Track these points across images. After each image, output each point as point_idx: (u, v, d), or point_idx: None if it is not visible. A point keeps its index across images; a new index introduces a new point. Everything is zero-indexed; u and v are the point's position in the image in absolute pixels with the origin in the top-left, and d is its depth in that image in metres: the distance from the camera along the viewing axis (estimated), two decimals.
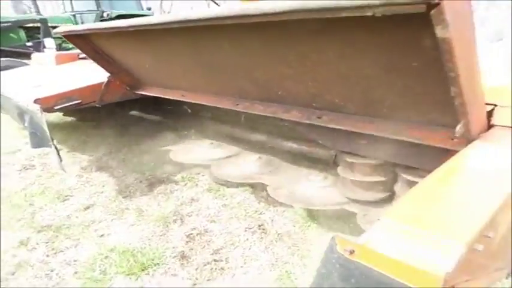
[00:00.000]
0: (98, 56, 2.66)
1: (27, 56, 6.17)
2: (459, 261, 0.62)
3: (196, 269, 1.81)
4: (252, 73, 1.86)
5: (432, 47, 0.87)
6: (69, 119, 4.26)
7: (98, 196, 2.64)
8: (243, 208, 2.31)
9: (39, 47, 7.53)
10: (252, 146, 2.65)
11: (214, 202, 2.43)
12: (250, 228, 2.09)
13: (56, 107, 2.64)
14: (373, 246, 0.71)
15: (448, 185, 0.91)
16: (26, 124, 2.72)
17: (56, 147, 2.30)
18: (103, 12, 9.92)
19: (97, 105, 2.88)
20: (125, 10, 10.37)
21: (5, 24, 7.48)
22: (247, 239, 2.01)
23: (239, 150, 2.71)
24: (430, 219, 0.75)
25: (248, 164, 2.51)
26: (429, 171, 0.94)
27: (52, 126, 2.30)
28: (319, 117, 1.79)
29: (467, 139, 1.11)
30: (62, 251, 2.05)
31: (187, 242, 2.03)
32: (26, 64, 5.44)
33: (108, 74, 2.79)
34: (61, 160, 2.33)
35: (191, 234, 2.09)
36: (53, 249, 2.07)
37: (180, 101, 2.57)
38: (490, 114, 1.17)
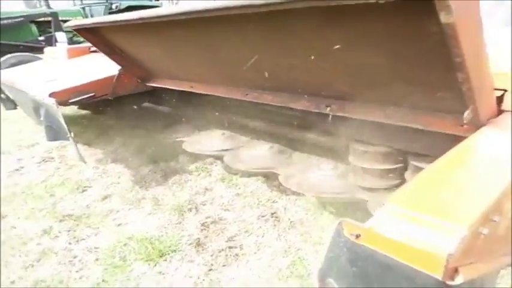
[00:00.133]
0: (109, 49, 2.70)
1: (40, 50, 6.27)
2: (461, 243, 0.64)
3: (212, 256, 1.87)
4: (260, 63, 1.88)
5: (438, 33, 0.87)
6: (83, 112, 4.35)
7: (114, 187, 2.73)
8: (256, 197, 2.37)
9: (51, 41, 7.61)
10: (263, 135, 2.68)
11: (228, 191, 2.48)
12: (263, 216, 2.15)
13: (70, 101, 2.69)
14: (378, 230, 0.74)
15: (453, 171, 0.92)
16: (41, 118, 2.80)
17: (74, 140, 2.37)
18: (112, 4, 9.94)
19: (109, 98, 2.93)
20: (134, 1, 10.37)
21: (17, 20, 7.58)
22: (261, 227, 2.07)
23: (251, 140, 2.75)
24: (434, 204, 0.77)
25: (260, 153, 2.55)
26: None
27: (67, 119, 2.37)
28: (327, 106, 1.81)
29: (476, 125, 1.12)
30: (83, 239, 2.14)
31: (202, 229, 2.10)
32: (39, 58, 5.53)
33: (119, 67, 2.83)
34: (79, 152, 2.40)
35: (206, 222, 2.16)
36: (74, 237, 2.16)
37: (192, 92, 2.61)
38: (500, 99, 1.16)
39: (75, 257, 1.99)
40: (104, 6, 9.88)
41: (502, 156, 0.95)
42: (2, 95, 3.95)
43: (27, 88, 2.84)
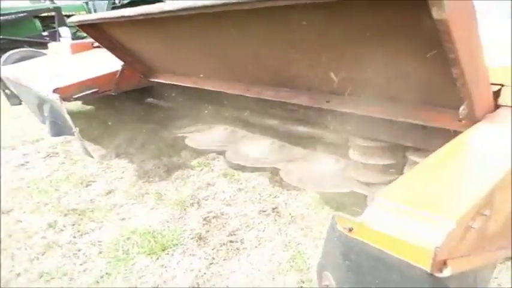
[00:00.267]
0: (111, 44, 2.70)
1: (44, 45, 6.30)
2: (449, 236, 0.65)
3: (213, 249, 1.90)
4: (261, 59, 1.89)
5: (433, 29, 0.87)
6: (87, 107, 4.39)
7: (118, 181, 2.76)
8: (258, 192, 2.39)
9: (55, 36, 7.64)
10: (265, 130, 2.70)
11: (230, 186, 2.51)
12: (265, 211, 2.17)
13: (74, 96, 2.71)
14: (370, 224, 0.75)
15: (445, 166, 0.93)
16: (45, 114, 2.83)
17: (79, 135, 2.40)
18: None
19: (113, 94, 2.95)
20: None
21: (21, 15, 7.61)
22: (262, 221, 2.09)
23: (253, 136, 2.76)
24: (424, 198, 0.78)
25: (262, 148, 2.56)
26: None
27: (71, 114, 2.40)
28: (328, 101, 1.82)
29: (472, 120, 1.12)
30: (87, 233, 2.17)
31: (204, 224, 2.12)
32: (43, 54, 5.56)
33: (122, 63, 2.83)
34: (85, 146, 2.43)
35: (207, 217, 2.19)
36: (78, 231, 2.20)
37: (195, 87, 2.62)
38: (497, 94, 1.16)
39: (79, 250, 2.03)
40: (107, 1, 9.87)
41: (495, 151, 0.95)
42: (7, 91, 3.98)
43: (31, 84, 2.86)
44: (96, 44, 3.82)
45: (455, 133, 1.14)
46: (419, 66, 1.23)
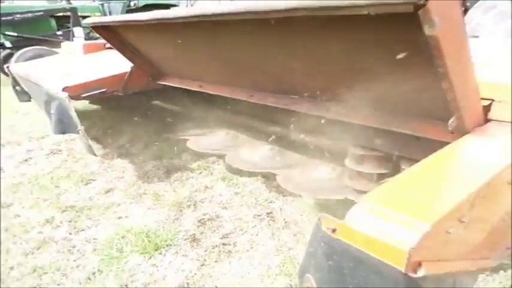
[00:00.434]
0: (123, 46, 2.76)
1: (57, 44, 6.42)
2: (423, 238, 0.67)
3: (205, 251, 1.91)
4: (265, 67, 1.93)
5: (425, 44, 0.92)
6: (93, 107, 4.45)
7: (118, 181, 2.79)
8: (254, 196, 2.39)
9: (68, 36, 7.79)
10: (265, 136, 2.72)
11: (227, 190, 2.52)
12: (259, 216, 2.17)
13: (82, 95, 2.76)
14: (352, 225, 0.77)
15: (429, 174, 0.96)
16: (52, 111, 2.87)
17: (84, 133, 2.43)
18: (130, 1, 10.13)
19: (120, 94, 3.00)
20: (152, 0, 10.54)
21: (38, 14, 7.79)
22: (256, 226, 2.09)
23: (253, 141, 2.78)
24: (405, 202, 0.81)
25: (261, 154, 2.58)
26: None
27: (77, 114, 2.44)
28: (327, 110, 1.84)
29: (462, 132, 1.15)
30: (83, 230, 2.19)
31: (198, 226, 2.13)
32: (56, 53, 5.67)
33: (132, 65, 2.89)
34: (90, 145, 2.46)
35: (203, 219, 2.19)
36: (75, 227, 2.22)
37: (200, 92, 2.66)
38: (487, 108, 1.19)
39: (73, 247, 2.05)
40: (123, 4, 10.06)
41: (478, 162, 0.99)
42: (17, 87, 4.06)
43: (42, 82, 2.91)
44: (108, 45, 3.90)
45: (447, 144, 1.15)
46: (412, 79, 1.26)
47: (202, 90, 2.62)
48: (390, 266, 0.69)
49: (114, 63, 3.11)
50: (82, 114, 4.25)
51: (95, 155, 2.57)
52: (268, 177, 2.54)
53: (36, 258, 1.98)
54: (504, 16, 2.13)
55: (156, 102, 3.81)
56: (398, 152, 1.71)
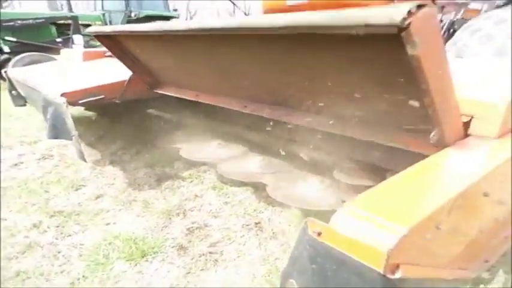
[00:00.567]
0: (124, 55, 2.79)
1: (56, 51, 6.47)
2: (401, 241, 0.69)
3: (192, 259, 1.90)
4: (260, 79, 1.98)
5: (408, 62, 0.98)
6: (88, 113, 4.45)
7: (108, 187, 2.78)
8: (243, 206, 2.39)
9: (68, 43, 7.86)
10: (257, 147, 2.74)
11: (217, 199, 2.52)
12: (248, 225, 2.17)
13: (80, 101, 2.76)
14: (335, 228, 0.79)
15: (409, 182, 0.99)
16: (48, 116, 2.88)
17: (78, 139, 2.43)
18: (131, 12, 10.28)
19: (117, 101, 3.01)
20: (153, 11, 10.71)
21: (39, 21, 7.86)
22: (243, 235, 2.09)
23: (245, 151, 2.79)
24: (385, 208, 0.84)
25: (252, 164, 2.59)
26: None
27: (72, 120, 2.44)
28: (318, 122, 1.87)
29: (443, 145, 1.19)
30: (70, 235, 2.18)
31: (186, 234, 2.12)
32: (54, 59, 5.70)
33: (131, 73, 2.92)
34: (82, 151, 2.46)
35: (191, 227, 2.19)
36: (62, 233, 2.20)
37: (194, 102, 2.69)
38: (467, 124, 1.24)
39: (59, 252, 2.03)
40: (123, 14, 10.21)
41: (455, 173, 1.05)
42: (13, 92, 4.08)
43: (40, 87, 2.92)
44: (108, 53, 3.93)
45: None
46: (398, 94, 1.30)
47: (198, 100, 2.65)
48: (369, 268, 0.71)
49: (112, 71, 3.13)
50: (77, 120, 4.25)
51: (85, 161, 2.56)
52: (258, 188, 2.55)
53: (20, 262, 1.95)
54: (488, 38, 2.19)
55: (151, 110, 3.83)
56: (384, 165, 1.73)
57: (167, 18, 10.65)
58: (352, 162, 1.87)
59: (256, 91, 2.14)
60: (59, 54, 5.30)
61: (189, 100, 2.75)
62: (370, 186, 1.82)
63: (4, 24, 7.11)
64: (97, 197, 2.63)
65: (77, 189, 2.77)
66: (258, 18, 1.38)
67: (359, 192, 1.85)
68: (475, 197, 0.95)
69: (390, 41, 0.96)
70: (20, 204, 2.55)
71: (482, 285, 1.60)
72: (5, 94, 4.49)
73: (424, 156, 1.20)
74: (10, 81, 4.03)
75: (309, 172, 2.25)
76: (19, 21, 7.38)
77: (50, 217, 2.38)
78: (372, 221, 0.77)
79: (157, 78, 3.02)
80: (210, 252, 1.94)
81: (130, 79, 2.93)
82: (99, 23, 9.53)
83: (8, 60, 6.74)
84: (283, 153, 2.46)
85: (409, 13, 0.85)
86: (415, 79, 1.03)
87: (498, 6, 3.15)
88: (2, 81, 7.04)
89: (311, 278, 0.87)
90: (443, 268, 0.88)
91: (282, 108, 2.08)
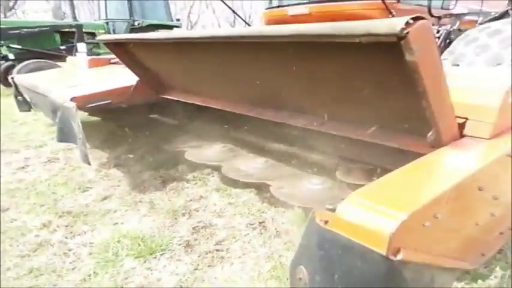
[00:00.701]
0: (131, 62, 2.90)
1: (59, 58, 6.58)
2: (401, 225, 0.77)
3: (199, 256, 1.96)
4: (265, 84, 2.07)
5: (406, 68, 1.08)
6: (93, 118, 4.52)
7: (114, 189, 2.84)
8: (247, 207, 2.47)
9: (71, 51, 7.98)
10: (260, 150, 2.81)
11: (221, 200, 2.59)
12: (252, 224, 2.24)
13: (88, 106, 2.85)
14: (342, 215, 0.88)
15: (409, 176, 1.08)
16: (57, 120, 2.95)
17: (85, 142, 2.50)
18: (134, 21, 10.42)
19: (123, 106, 3.09)
20: (156, 20, 10.86)
21: (44, 29, 8.00)
22: (248, 234, 2.16)
23: (248, 154, 2.87)
24: (386, 197, 0.92)
25: (255, 166, 2.66)
26: None
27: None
28: (322, 124, 1.96)
29: (439, 145, 1.29)
30: (79, 234, 2.24)
31: (192, 233, 2.19)
32: (58, 66, 5.80)
33: (137, 78, 3.01)
34: (87, 154, 2.53)
35: (197, 226, 2.26)
36: (71, 232, 2.26)
37: (199, 107, 2.78)
38: (462, 126, 1.34)
39: (69, 250, 2.09)
40: (127, 23, 10.35)
41: (452, 167, 1.15)
42: (19, 97, 4.16)
43: (49, 92, 3.00)
44: (114, 60, 4.03)
45: None
46: (397, 97, 1.40)
47: (204, 105, 2.74)
48: (373, 251, 0.79)
49: (118, 77, 3.22)
50: (82, 125, 4.32)
51: (89, 164, 2.63)
52: (261, 189, 2.62)
53: (32, 260, 2.01)
54: (483, 49, 2.30)
55: (155, 115, 3.91)
56: (385, 165, 1.81)
57: (170, 27, 10.81)
58: (354, 163, 1.95)
59: (261, 96, 2.24)
60: (62, 61, 5.40)
61: (193, 104, 2.84)
62: None
63: (11, 32, 7.24)
64: (104, 198, 2.70)
65: (83, 191, 2.84)
66: (265, 27, 1.49)
67: None
68: (470, 190, 1.04)
69: (390, 48, 1.06)
70: (29, 205, 2.61)
71: (480, 281, 1.68)
72: (9, 100, 4.57)
73: (422, 156, 1.28)
74: (16, 87, 4.11)
75: (311, 173, 2.33)
76: (25, 30, 7.51)
77: (58, 217, 2.44)
78: (374, 209, 0.85)
79: (164, 83, 3.11)
80: (217, 250, 2.01)
81: (137, 84, 3.02)
82: (103, 31, 9.67)
83: (12, 66, 6.85)
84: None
85: (407, 24, 0.96)
86: (412, 83, 1.13)
87: (493, 19, 3.27)
88: (4, 87, 7.15)
89: (319, 264, 0.94)
90: (442, 256, 0.96)
91: (286, 112, 2.17)
